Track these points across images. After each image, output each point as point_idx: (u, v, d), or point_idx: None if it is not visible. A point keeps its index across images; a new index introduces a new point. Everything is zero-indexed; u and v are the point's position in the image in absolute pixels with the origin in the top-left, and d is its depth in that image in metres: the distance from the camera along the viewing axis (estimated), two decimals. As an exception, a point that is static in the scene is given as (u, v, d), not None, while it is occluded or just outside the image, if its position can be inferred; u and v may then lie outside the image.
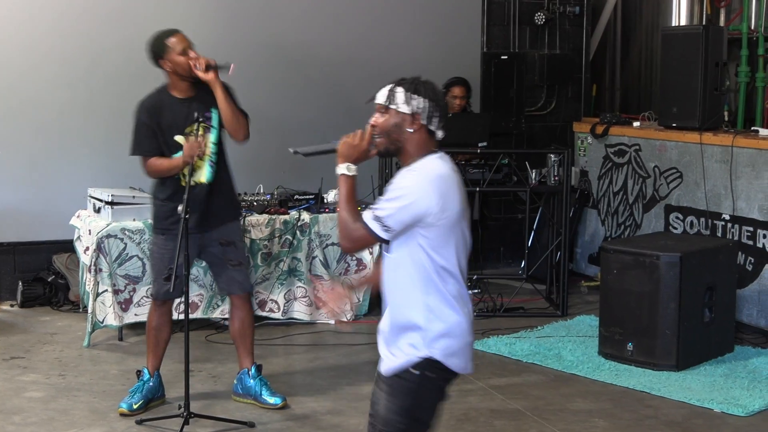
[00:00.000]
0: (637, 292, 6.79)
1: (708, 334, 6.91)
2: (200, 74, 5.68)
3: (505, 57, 9.65)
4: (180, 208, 5.45)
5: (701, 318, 6.85)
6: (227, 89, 5.79)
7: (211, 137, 5.80)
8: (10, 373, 6.59)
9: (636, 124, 8.87)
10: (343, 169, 3.73)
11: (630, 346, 6.81)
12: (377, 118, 3.76)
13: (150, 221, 7.18)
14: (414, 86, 3.76)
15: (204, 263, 6.52)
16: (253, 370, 6.05)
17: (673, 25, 9.41)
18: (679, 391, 6.33)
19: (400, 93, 3.73)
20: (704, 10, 9.45)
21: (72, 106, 8.35)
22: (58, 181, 8.32)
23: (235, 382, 6.15)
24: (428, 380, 3.72)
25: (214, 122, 5.80)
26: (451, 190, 3.67)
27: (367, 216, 3.63)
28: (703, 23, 9.24)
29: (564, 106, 10.00)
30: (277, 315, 7.58)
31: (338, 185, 3.74)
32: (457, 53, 9.44)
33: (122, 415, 5.83)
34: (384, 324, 3.83)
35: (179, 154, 5.72)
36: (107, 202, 7.22)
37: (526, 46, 9.84)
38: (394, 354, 3.75)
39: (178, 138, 5.73)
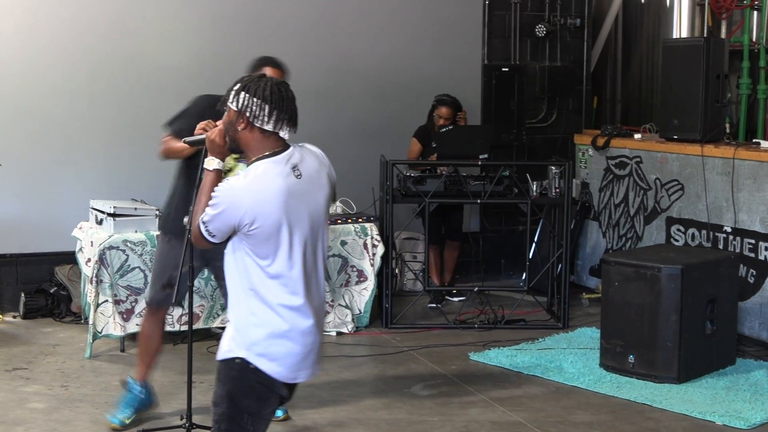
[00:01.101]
0: (639, 305, 6.79)
1: (709, 347, 6.91)
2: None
3: (506, 69, 9.68)
4: (186, 220, 5.42)
5: (703, 330, 6.86)
6: None
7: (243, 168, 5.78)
8: (12, 384, 6.60)
9: (637, 136, 8.88)
10: (214, 164, 3.86)
11: (631, 359, 6.81)
12: (224, 119, 3.83)
13: (153, 232, 7.23)
14: (244, 84, 3.77)
15: (206, 274, 6.51)
16: None
17: (675, 37, 9.43)
18: (680, 403, 6.33)
19: (234, 91, 3.77)
20: (705, 22, 9.48)
21: (74, 117, 8.37)
22: (60, 192, 8.33)
23: None
24: (250, 370, 3.78)
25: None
26: (268, 200, 3.67)
27: (201, 218, 3.72)
28: (705, 35, 9.27)
29: (565, 118, 10.01)
30: None
31: (204, 180, 3.85)
32: (457, 65, 9.46)
33: (114, 430, 5.84)
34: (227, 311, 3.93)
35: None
36: (109, 214, 7.23)
37: (527, 58, 9.86)
38: (222, 344, 3.86)
39: None
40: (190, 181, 5.70)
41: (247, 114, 3.72)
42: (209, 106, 5.74)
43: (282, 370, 3.80)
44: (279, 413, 5.97)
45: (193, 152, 5.55)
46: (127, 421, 5.85)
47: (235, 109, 3.74)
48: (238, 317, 3.79)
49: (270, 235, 3.69)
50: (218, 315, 7.47)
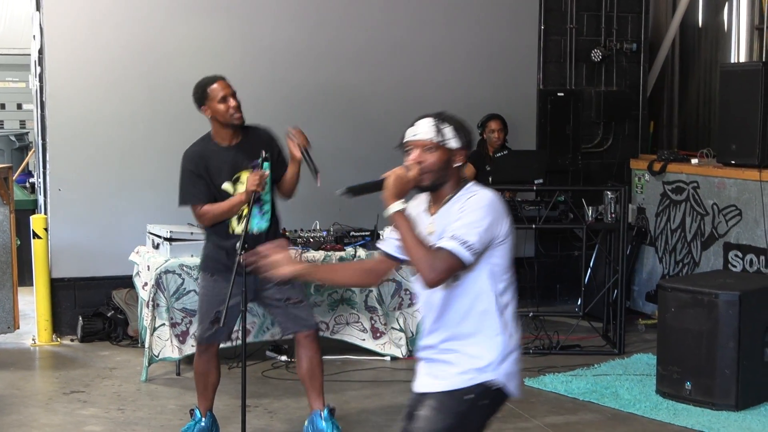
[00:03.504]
0: (696, 331, 6.72)
1: (768, 374, 6.83)
2: (293, 149, 5.68)
3: (562, 94, 9.64)
4: (238, 245, 5.45)
5: (761, 357, 6.76)
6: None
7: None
8: (70, 407, 6.67)
9: (694, 161, 8.81)
10: (398, 205, 3.68)
11: (688, 385, 6.74)
12: (423, 155, 3.76)
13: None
14: (456, 121, 3.82)
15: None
16: (325, 412, 5.92)
17: (732, 61, 9.36)
18: (738, 431, 6.25)
19: (448, 129, 3.77)
20: (764, 46, 9.39)
21: (131, 143, 8.47)
22: (118, 217, 8.42)
23: (306, 423, 6.02)
24: (479, 406, 3.71)
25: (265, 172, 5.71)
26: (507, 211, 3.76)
27: (449, 244, 3.59)
28: (763, 59, 9.18)
29: (621, 143, 9.96)
30: (326, 334, 7.58)
31: (396, 222, 3.67)
32: (513, 90, 9.46)
33: None
34: (434, 346, 3.80)
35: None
36: (166, 239, 7.30)
37: (583, 83, 9.83)
38: (446, 375, 3.75)
39: (226, 186, 5.70)
40: (214, 228, 5.76)
41: (467, 150, 3.81)
42: (200, 158, 5.74)
43: (516, 386, 3.80)
44: None
45: (246, 201, 5.59)
46: None
47: (459, 146, 3.78)
48: (482, 337, 3.72)
49: (512, 244, 3.77)
50: (268, 329, 7.51)
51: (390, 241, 3.97)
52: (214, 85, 5.75)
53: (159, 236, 7.41)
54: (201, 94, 5.77)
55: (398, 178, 3.70)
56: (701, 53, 10.27)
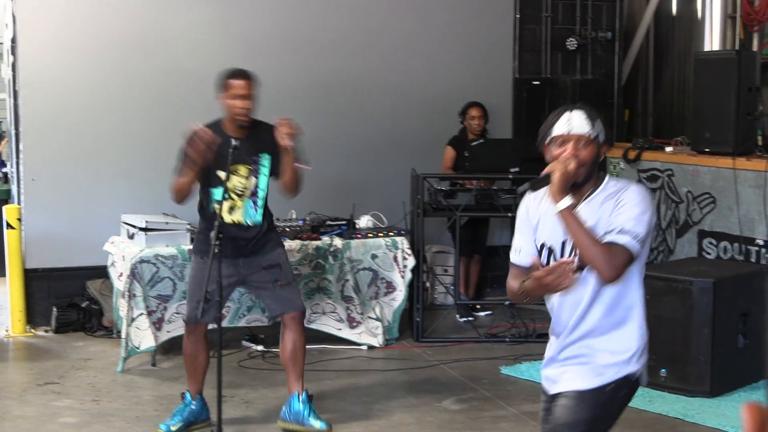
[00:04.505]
0: (671, 318, 6.75)
1: (742, 361, 6.86)
2: (283, 139, 5.71)
3: (537, 82, 9.66)
4: (212, 234, 5.47)
5: (735, 344, 6.80)
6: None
7: (259, 182, 5.86)
8: (44, 398, 6.63)
9: (669, 149, 8.84)
10: (567, 201, 3.58)
11: (663, 372, 6.76)
12: (579, 149, 3.66)
13: (184, 246, 7.26)
14: (598, 114, 3.76)
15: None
16: (303, 395, 6.00)
17: (706, 50, 9.39)
18: (713, 417, 6.29)
19: (598, 122, 3.72)
20: (737, 35, 9.43)
21: (106, 132, 8.42)
22: (92, 207, 8.38)
23: (283, 408, 6.08)
24: (619, 397, 3.75)
25: (264, 168, 5.88)
26: None
27: (622, 239, 3.55)
28: (736, 48, 9.21)
29: (596, 132, 9.96)
30: None
31: (566, 219, 3.57)
32: (488, 79, 9.46)
33: None
34: (575, 342, 3.79)
35: (219, 189, 5.74)
36: (141, 228, 7.27)
37: (558, 72, 9.84)
38: (587, 371, 3.75)
39: (220, 173, 5.74)
40: (206, 215, 5.82)
41: (612, 144, 3.76)
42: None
43: (647, 376, 3.86)
44: (323, 425, 5.96)
45: (194, 180, 5.74)
46: (173, 429, 5.92)
47: (605, 140, 3.74)
48: (628, 329, 3.74)
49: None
50: (244, 315, 7.55)
51: (520, 254, 3.90)
52: (234, 81, 5.82)
53: (134, 226, 7.38)
54: (220, 83, 5.87)
55: (564, 173, 3.60)
56: (675, 42, 10.30)
